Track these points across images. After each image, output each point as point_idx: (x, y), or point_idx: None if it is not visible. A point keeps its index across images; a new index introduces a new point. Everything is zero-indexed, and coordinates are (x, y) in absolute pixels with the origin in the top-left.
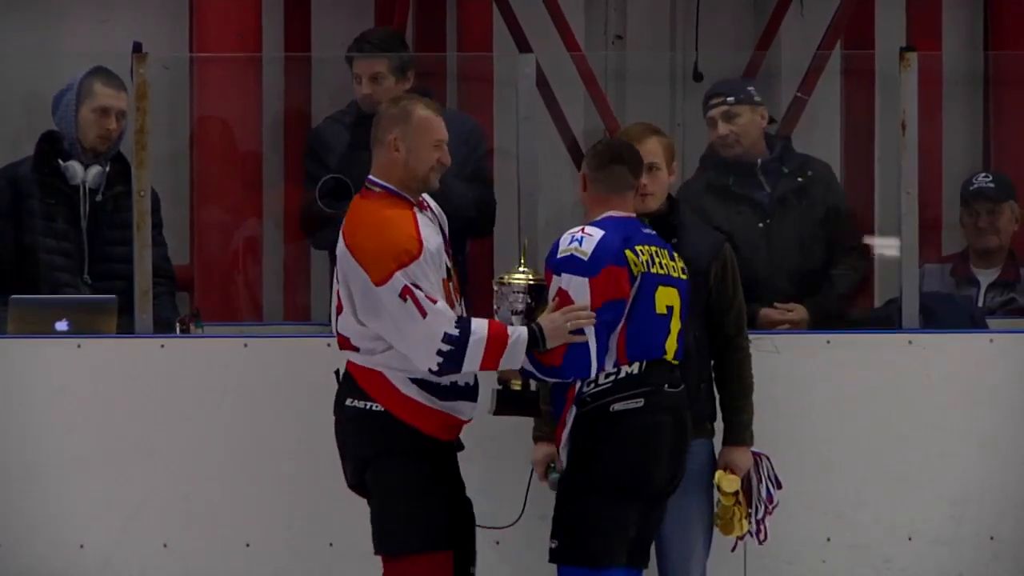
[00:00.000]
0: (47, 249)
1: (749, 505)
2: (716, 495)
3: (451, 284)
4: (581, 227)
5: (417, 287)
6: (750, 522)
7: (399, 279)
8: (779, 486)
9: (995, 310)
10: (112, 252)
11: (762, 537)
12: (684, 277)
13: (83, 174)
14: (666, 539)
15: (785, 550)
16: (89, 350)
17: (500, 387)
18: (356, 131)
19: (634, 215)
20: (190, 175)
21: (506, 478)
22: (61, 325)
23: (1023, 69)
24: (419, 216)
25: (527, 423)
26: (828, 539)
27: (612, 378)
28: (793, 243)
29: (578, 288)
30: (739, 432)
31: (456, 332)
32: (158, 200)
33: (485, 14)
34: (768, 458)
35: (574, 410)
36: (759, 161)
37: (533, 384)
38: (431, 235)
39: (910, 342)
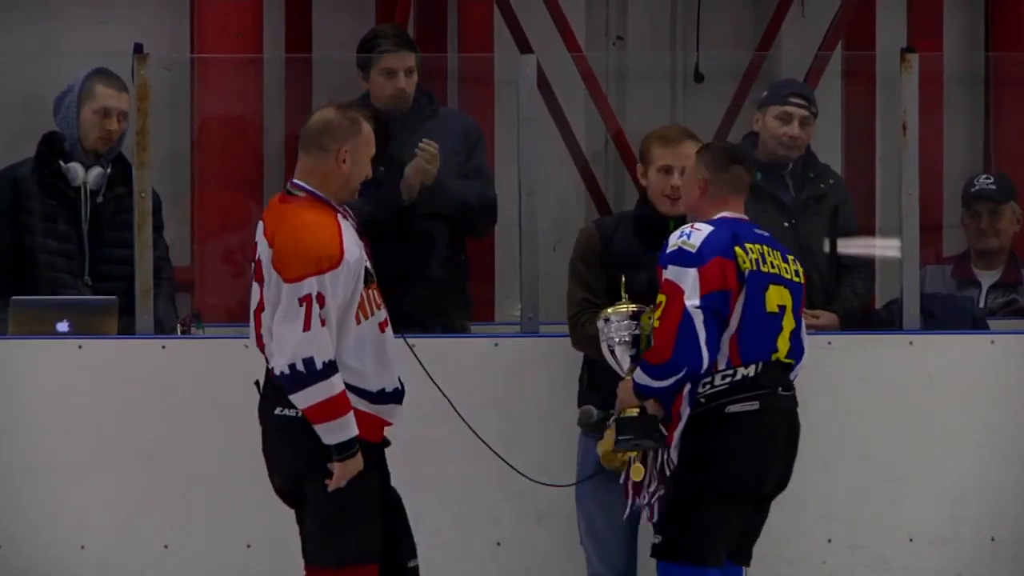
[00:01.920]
0: (48, 250)
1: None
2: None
3: (372, 292)
4: (692, 224)
5: (321, 300)
6: (640, 487)
7: (311, 284)
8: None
9: (996, 311)
10: (113, 253)
11: (652, 516)
12: (798, 280)
13: (84, 175)
14: None
15: (785, 550)
16: (90, 351)
17: (617, 417)
18: None
19: (746, 217)
20: (191, 176)
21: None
22: (62, 326)
23: (1021, 70)
24: (343, 224)
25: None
26: (829, 540)
27: (728, 380)
28: (814, 247)
29: (684, 277)
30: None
31: (315, 366)
32: (159, 201)
33: (486, 15)
34: (669, 449)
35: (688, 410)
36: (790, 165)
37: (649, 409)
38: (352, 244)
39: (911, 343)
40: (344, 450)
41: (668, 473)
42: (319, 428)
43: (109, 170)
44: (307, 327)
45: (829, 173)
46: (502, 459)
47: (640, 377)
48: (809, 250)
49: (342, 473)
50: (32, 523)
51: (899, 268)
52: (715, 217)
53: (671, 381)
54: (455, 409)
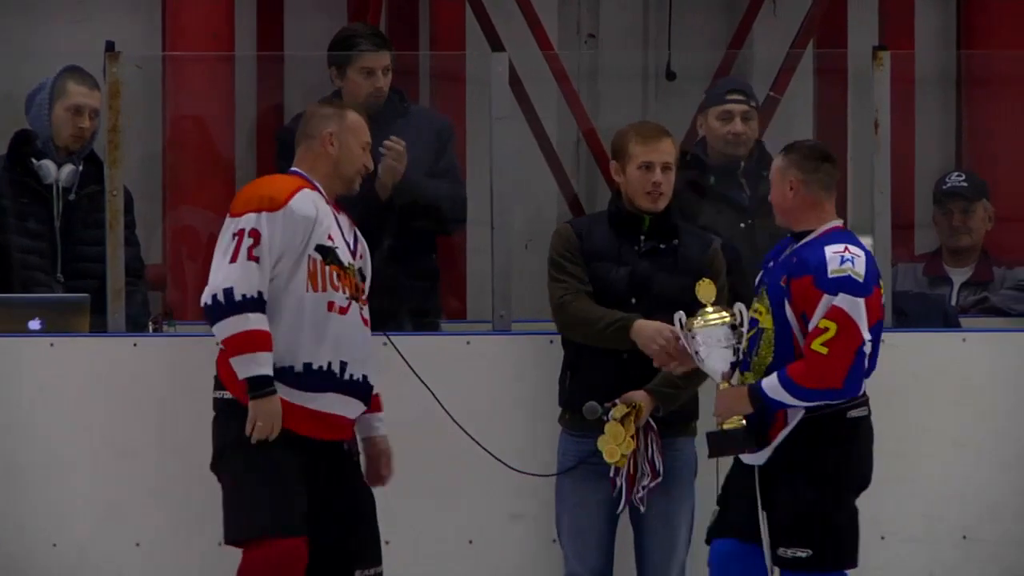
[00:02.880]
0: (20, 248)
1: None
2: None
3: (331, 270)
4: (844, 246)
5: (256, 236)
6: (633, 481)
7: (248, 220)
8: (661, 471)
9: (968, 309)
10: (85, 251)
11: (643, 508)
12: None
13: (56, 173)
14: (649, 537)
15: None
16: (62, 349)
17: (724, 431)
18: None
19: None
20: (163, 174)
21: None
22: (34, 324)
23: (996, 68)
24: (314, 195)
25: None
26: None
27: None
28: (770, 245)
29: (857, 309)
30: (661, 386)
31: (234, 297)
32: (131, 199)
33: (458, 13)
34: (659, 439)
35: (800, 415)
36: (742, 163)
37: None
38: (308, 205)
39: (883, 341)
40: (256, 387)
41: (658, 467)
42: (233, 362)
43: (81, 168)
44: (234, 259)
45: None
46: (490, 453)
47: (777, 392)
48: (767, 249)
49: (254, 413)
50: (3, 522)
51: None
52: (829, 228)
53: (820, 402)
54: (440, 404)
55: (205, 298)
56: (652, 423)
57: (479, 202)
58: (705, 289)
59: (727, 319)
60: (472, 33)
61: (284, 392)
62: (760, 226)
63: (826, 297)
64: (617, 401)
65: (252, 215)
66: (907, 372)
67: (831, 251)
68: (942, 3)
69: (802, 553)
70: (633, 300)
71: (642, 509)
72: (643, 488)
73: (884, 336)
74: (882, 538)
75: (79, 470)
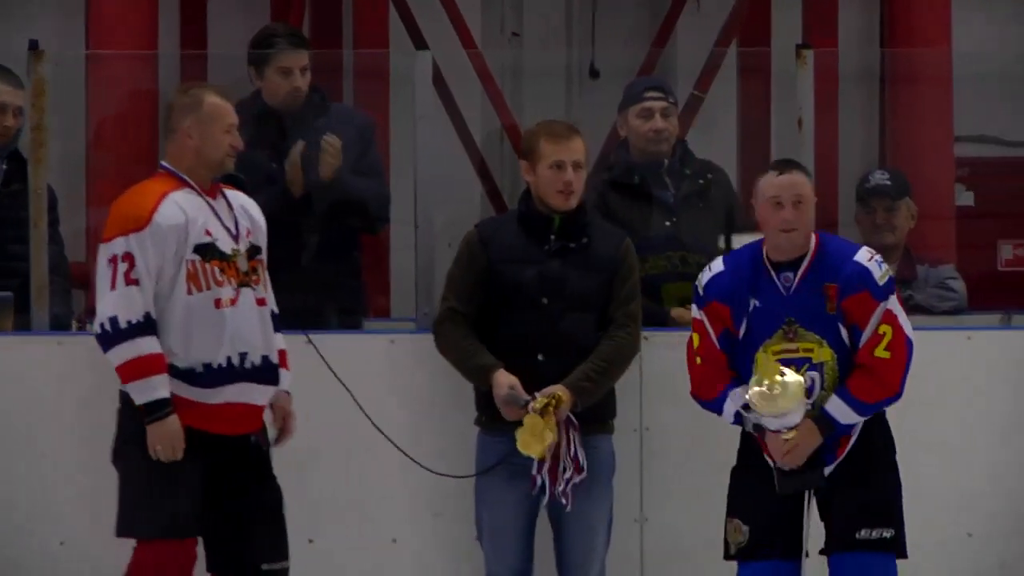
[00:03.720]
0: None
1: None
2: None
3: (211, 266)
4: (863, 249)
5: (129, 260)
6: (556, 475)
7: (118, 244)
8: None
9: None
10: (8, 249)
11: (566, 503)
12: None
13: None
14: (568, 536)
15: (680, 548)
16: None
17: (788, 470)
18: (260, 126)
19: None
20: (86, 173)
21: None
22: None
23: (919, 66)
24: (180, 196)
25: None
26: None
27: None
28: (697, 243)
29: (899, 308)
30: (580, 381)
31: (119, 325)
32: (55, 197)
33: (381, 11)
34: (580, 433)
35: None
36: (666, 162)
37: None
38: (174, 211)
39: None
40: (152, 411)
41: (581, 462)
42: (129, 388)
43: (4, 166)
44: (113, 286)
45: (708, 167)
46: (404, 453)
47: (847, 416)
48: (694, 247)
49: (154, 437)
50: None
51: None
52: (818, 239)
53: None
54: (359, 405)
55: (95, 328)
56: (572, 418)
57: (403, 200)
58: (766, 365)
59: (803, 383)
60: (396, 31)
61: (186, 392)
62: (685, 224)
63: (882, 304)
64: (536, 394)
65: (121, 239)
66: None
67: (864, 259)
68: (865, 1)
69: (887, 533)
70: (544, 300)
71: (567, 504)
72: (566, 482)
73: None
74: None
75: (1, 469)
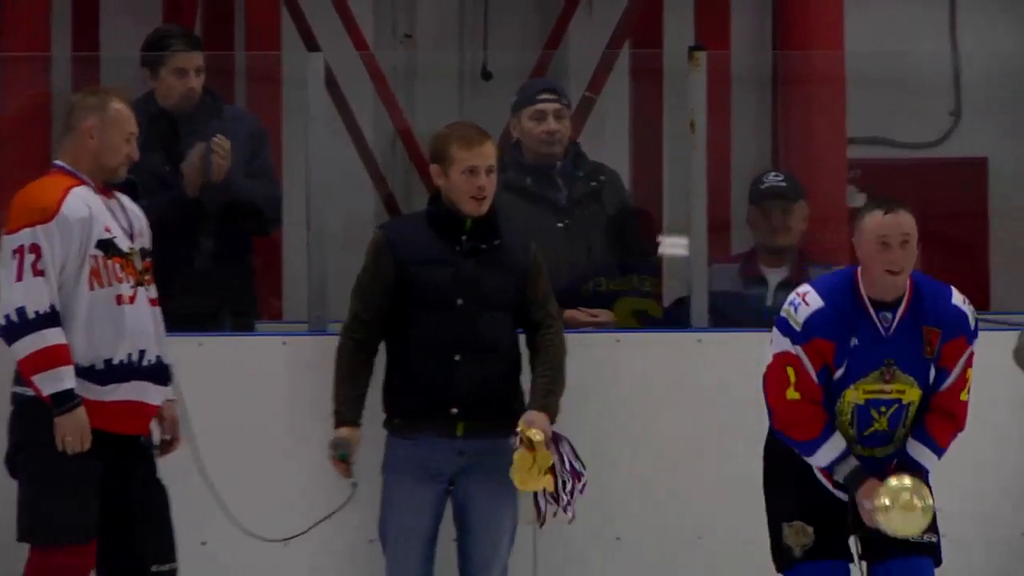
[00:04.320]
0: None
1: (555, 475)
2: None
3: (113, 263)
4: (956, 293)
5: (36, 251)
6: (557, 493)
7: (24, 235)
8: (583, 468)
9: None
10: None
11: (571, 516)
12: None
13: None
14: (473, 537)
15: (571, 550)
16: None
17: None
18: (153, 128)
19: None
20: None
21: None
22: None
23: (811, 69)
24: (80, 190)
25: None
26: (617, 538)
27: None
28: (590, 246)
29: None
30: (546, 400)
31: (27, 315)
32: None
33: (273, 14)
34: (569, 441)
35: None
36: (558, 164)
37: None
38: (79, 205)
39: (699, 341)
40: (60, 403)
41: (579, 469)
42: (36, 380)
43: None
44: (19, 277)
45: (601, 170)
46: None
47: (932, 462)
48: (587, 248)
49: (62, 429)
50: None
51: (687, 266)
52: (914, 278)
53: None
54: (185, 418)
55: (0, 320)
56: (557, 433)
57: (295, 202)
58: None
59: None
60: (288, 33)
61: (84, 390)
62: (577, 226)
63: (970, 346)
64: (518, 431)
65: (27, 230)
66: (724, 372)
67: (960, 302)
68: (757, 4)
69: (932, 538)
70: (459, 301)
71: (570, 517)
72: (570, 495)
73: (700, 336)
74: (699, 538)
75: None
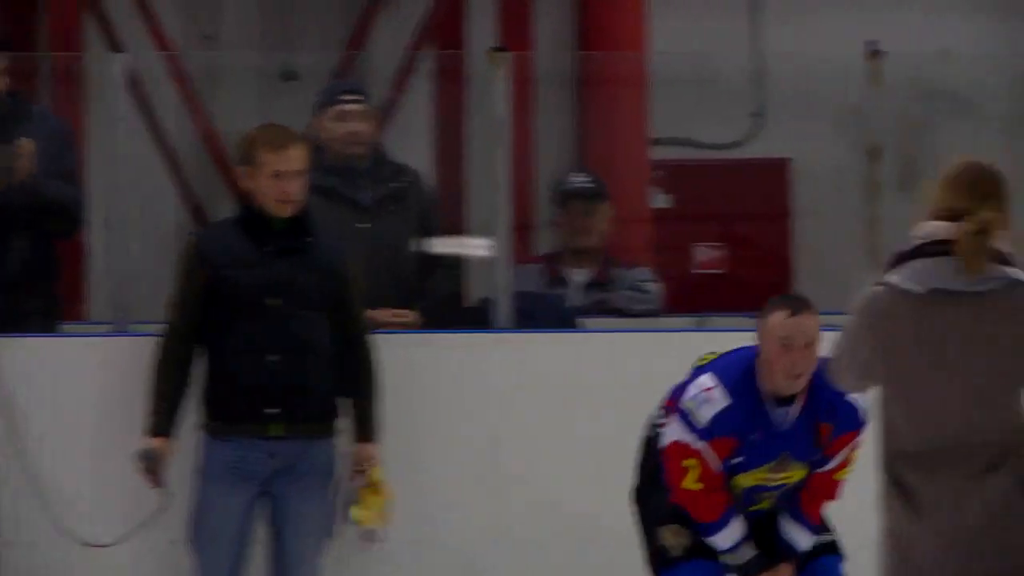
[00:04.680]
0: None
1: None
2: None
3: None
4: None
5: None
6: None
7: None
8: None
9: (587, 309)
10: None
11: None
12: None
13: None
14: (288, 538)
15: (380, 551)
16: None
17: None
18: None
19: None
20: None
21: None
22: None
23: (613, 70)
24: None
25: None
26: (426, 539)
27: None
28: (394, 246)
29: None
30: (375, 430)
31: None
32: None
33: (76, 14)
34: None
35: None
36: (362, 164)
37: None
38: None
39: (503, 341)
40: None
41: None
42: None
43: None
44: None
45: (404, 171)
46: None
47: (808, 543)
48: (390, 249)
49: None
50: None
51: (492, 267)
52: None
53: None
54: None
55: None
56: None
57: (99, 204)
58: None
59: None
60: (91, 34)
61: None
62: (381, 227)
63: (860, 436)
64: (361, 469)
65: None
66: (528, 372)
67: (853, 400)
68: (560, 5)
69: (829, 537)
70: (271, 302)
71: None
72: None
73: (504, 336)
74: (494, 540)
75: None
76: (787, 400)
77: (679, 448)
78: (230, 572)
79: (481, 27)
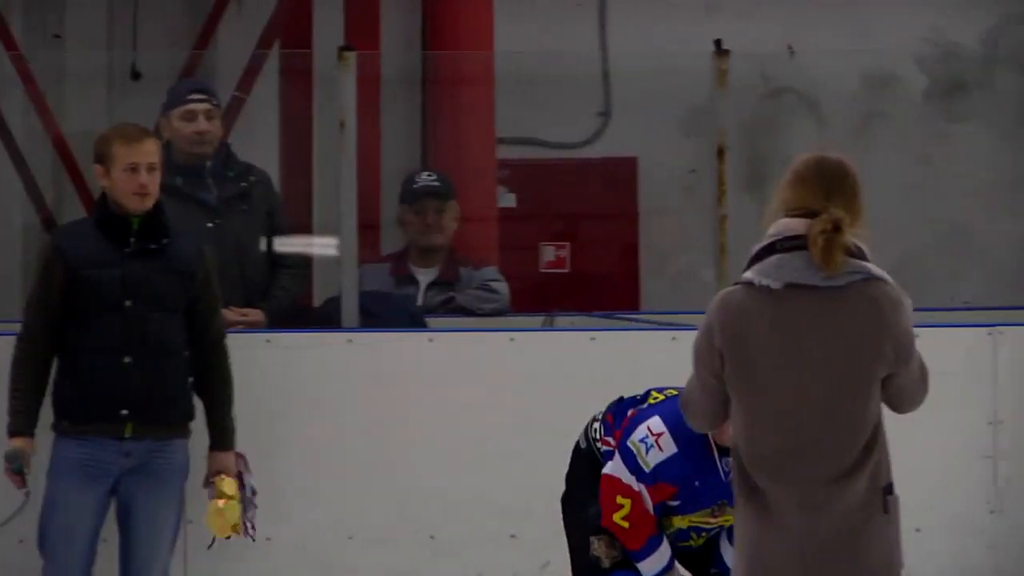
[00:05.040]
0: None
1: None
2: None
3: None
4: None
5: None
6: (243, 519)
7: None
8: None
9: (435, 309)
10: None
11: (255, 533)
12: None
13: None
14: (135, 538)
15: (222, 550)
16: None
17: None
18: None
19: None
20: None
21: None
22: None
23: (460, 69)
24: None
25: None
26: (268, 538)
27: None
28: (241, 246)
29: None
30: (229, 437)
31: None
32: None
33: None
34: (244, 457)
35: None
36: (208, 163)
37: None
38: None
39: (350, 341)
40: None
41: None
42: None
43: None
44: None
45: (251, 171)
46: None
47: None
48: (237, 248)
49: None
50: None
51: (338, 266)
52: None
53: None
54: None
55: None
56: (237, 455)
57: None
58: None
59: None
60: None
61: None
62: (228, 226)
63: None
64: (212, 481)
65: None
66: (374, 372)
67: None
68: (407, 4)
69: None
70: (128, 303)
71: (253, 537)
72: (250, 522)
73: (350, 336)
74: (349, 538)
75: None
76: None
77: (617, 484)
78: (79, 571)
79: (329, 26)
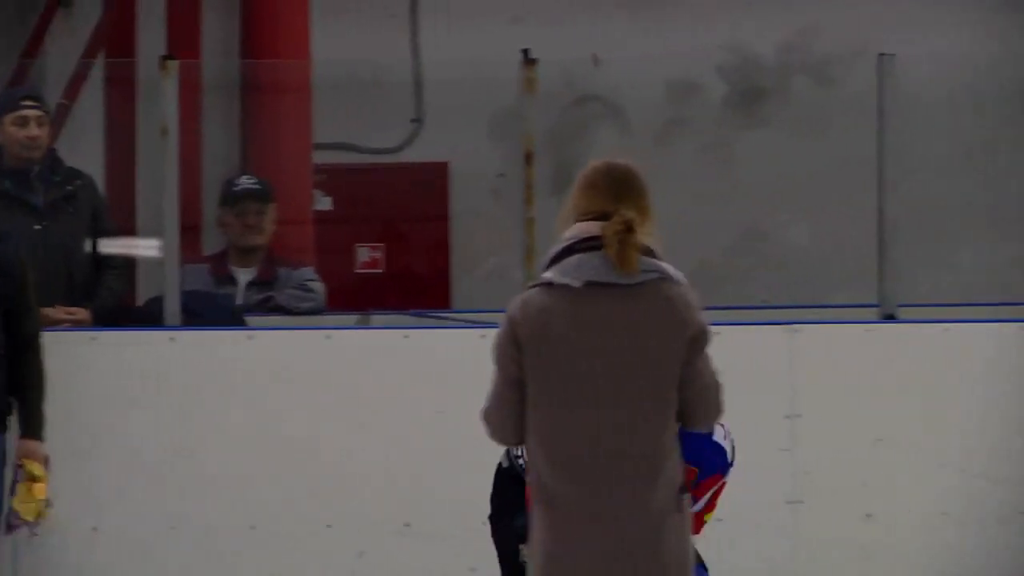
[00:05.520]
0: None
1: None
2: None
3: None
4: (723, 428)
5: None
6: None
7: None
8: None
9: (254, 308)
10: None
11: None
12: None
13: None
14: None
15: (50, 544)
16: None
17: None
18: None
19: None
20: None
21: None
22: None
23: (277, 76)
24: None
25: None
26: (94, 528)
27: None
28: (67, 247)
29: None
30: (38, 426)
31: None
32: None
33: None
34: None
35: None
36: (36, 168)
37: None
38: None
39: (172, 339)
40: None
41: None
42: None
43: None
44: None
45: (76, 174)
46: None
47: None
48: (64, 249)
49: None
50: None
51: (161, 266)
52: None
53: None
54: None
55: None
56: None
57: None
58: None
59: None
60: None
61: None
62: (54, 228)
63: (724, 478)
64: (21, 463)
65: None
66: (197, 371)
67: (719, 439)
68: (226, 13)
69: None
70: None
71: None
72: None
73: (172, 334)
74: (252, 529)
75: None
76: None
77: None
78: None
79: (152, 35)
